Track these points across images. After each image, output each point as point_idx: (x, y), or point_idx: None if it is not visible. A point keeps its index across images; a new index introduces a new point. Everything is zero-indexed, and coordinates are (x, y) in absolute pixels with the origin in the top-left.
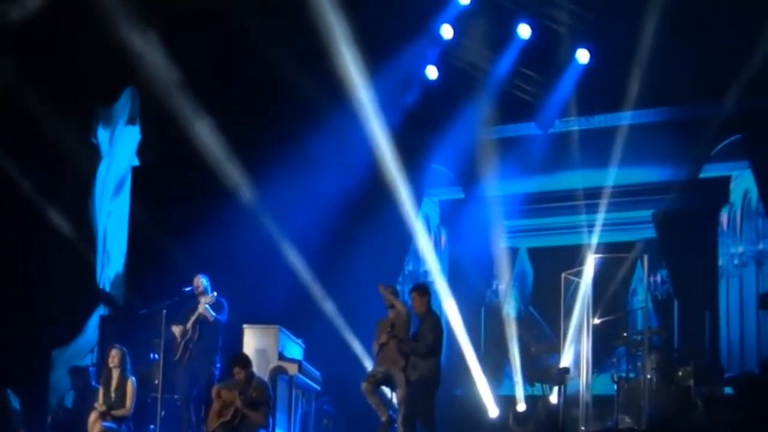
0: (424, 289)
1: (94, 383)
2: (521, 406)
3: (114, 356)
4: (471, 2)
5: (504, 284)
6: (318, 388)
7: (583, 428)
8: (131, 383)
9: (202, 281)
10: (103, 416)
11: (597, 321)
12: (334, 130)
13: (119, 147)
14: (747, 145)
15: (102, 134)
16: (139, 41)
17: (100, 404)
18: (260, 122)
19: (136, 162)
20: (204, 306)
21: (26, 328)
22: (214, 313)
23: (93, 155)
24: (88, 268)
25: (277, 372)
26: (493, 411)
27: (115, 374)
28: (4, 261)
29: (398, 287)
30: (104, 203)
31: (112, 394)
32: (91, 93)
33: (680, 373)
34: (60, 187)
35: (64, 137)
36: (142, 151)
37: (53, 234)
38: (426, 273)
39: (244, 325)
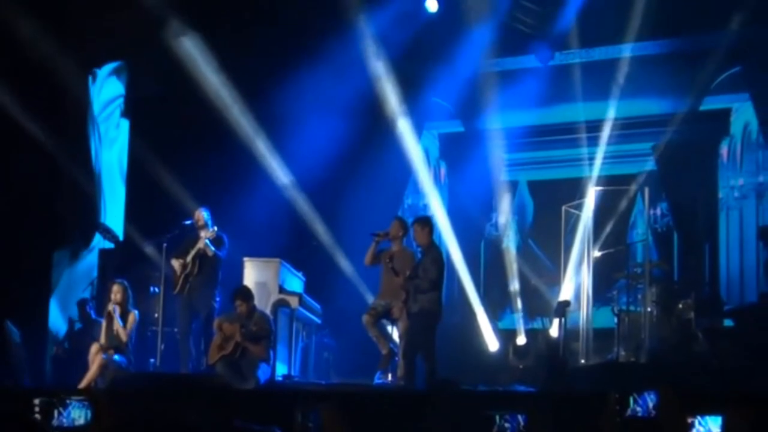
0: (425, 221)
1: (94, 316)
2: (521, 340)
3: (116, 292)
4: None
5: (504, 217)
6: (318, 321)
7: (583, 361)
8: (133, 316)
9: (203, 215)
10: (104, 349)
11: (597, 254)
12: (334, 63)
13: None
14: (747, 77)
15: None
16: None
17: (102, 338)
18: (259, 55)
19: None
20: (204, 241)
21: (26, 259)
22: (213, 248)
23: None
24: (87, 200)
25: (278, 305)
26: (492, 344)
27: (118, 309)
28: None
29: None
30: (93, 130)
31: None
32: (89, 18)
33: (680, 306)
34: (59, 116)
35: (61, 65)
36: (139, 83)
37: (54, 165)
38: (425, 206)
39: (245, 258)
